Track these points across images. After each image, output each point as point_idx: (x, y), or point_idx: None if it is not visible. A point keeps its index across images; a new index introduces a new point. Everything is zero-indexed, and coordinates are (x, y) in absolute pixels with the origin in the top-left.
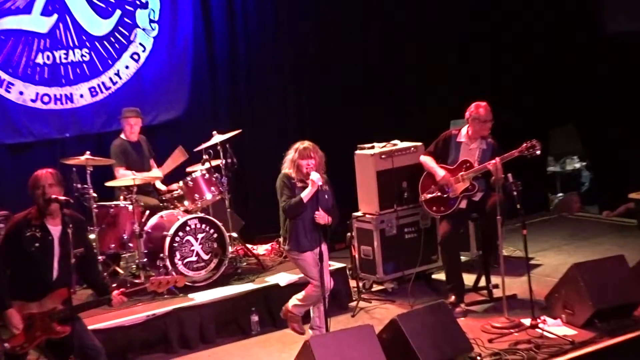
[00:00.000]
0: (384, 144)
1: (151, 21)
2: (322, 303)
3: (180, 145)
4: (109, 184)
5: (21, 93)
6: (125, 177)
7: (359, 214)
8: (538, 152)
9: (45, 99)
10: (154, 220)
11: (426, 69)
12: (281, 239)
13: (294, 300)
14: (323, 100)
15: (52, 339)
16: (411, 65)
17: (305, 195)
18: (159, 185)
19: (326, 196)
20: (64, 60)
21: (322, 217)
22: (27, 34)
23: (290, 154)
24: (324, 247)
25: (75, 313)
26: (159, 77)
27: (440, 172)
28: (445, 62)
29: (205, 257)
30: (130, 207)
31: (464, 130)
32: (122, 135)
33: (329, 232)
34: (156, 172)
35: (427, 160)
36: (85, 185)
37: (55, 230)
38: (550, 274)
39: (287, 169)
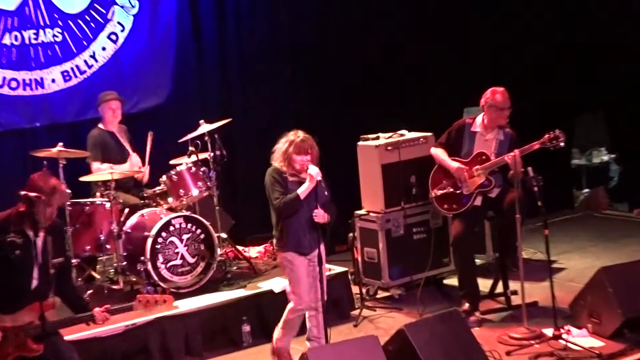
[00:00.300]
0: (390, 134)
1: None
2: (319, 311)
3: (151, 132)
4: (84, 178)
5: None
6: (102, 172)
7: (362, 212)
8: (562, 144)
9: (13, 84)
10: (134, 219)
11: (438, 50)
12: (274, 240)
13: (277, 332)
14: (321, 86)
15: (24, 357)
16: (420, 46)
17: (303, 191)
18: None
19: (325, 192)
20: (33, 41)
21: (321, 216)
22: None
23: (284, 146)
24: (322, 248)
25: (52, 330)
26: (140, 59)
27: (453, 165)
28: (462, 40)
29: (191, 260)
30: (108, 205)
31: (479, 119)
32: (101, 125)
33: (328, 232)
34: (136, 166)
35: (439, 153)
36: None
37: (35, 236)
38: (575, 278)
39: (277, 162)
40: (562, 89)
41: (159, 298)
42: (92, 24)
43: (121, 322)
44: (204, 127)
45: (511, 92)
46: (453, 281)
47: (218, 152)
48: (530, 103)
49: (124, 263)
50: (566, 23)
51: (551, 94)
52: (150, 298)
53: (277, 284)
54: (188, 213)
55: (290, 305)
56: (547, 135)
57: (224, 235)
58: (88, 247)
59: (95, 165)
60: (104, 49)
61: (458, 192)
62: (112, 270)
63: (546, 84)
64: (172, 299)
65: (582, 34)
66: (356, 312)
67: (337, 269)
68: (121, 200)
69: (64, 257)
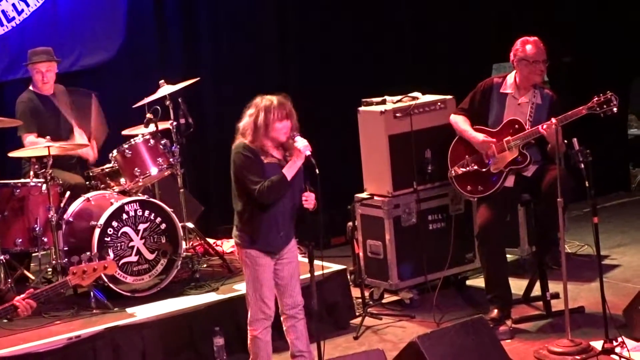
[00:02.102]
0: (399, 97)
1: None
2: (298, 319)
3: (94, 93)
4: (13, 154)
5: None
6: (37, 145)
7: (364, 195)
8: (615, 110)
9: None
10: (77, 205)
11: None
12: (235, 232)
13: None
14: (314, 36)
15: None
16: None
17: (289, 170)
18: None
19: (317, 170)
20: None
21: (312, 201)
22: None
23: (257, 117)
24: (294, 242)
25: None
26: (83, 2)
27: (477, 137)
28: None
29: (150, 256)
30: (44, 187)
31: (510, 79)
32: (32, 87)
33: (320, 221)
34: (80, 139)
35: (459, 121)
36: None
37: None
38: (631, 278)
39: (247, 137)
40: (617, 42)
41: (98, 265)
42: None
43: (62, 334)
44: (165, 89)
45: (550, 43)
46: (478, 282)
47: (182, 121)
48: (575, 57)
49: (65, 260)
50: None
51: (603, 47)
52: (88, 267)
53: None
54: (145, 197)
55: (250, 331)
56: (595, 99)
57: (190, 225)
58: (19, 241)
59: (29, 138)
60: None
61: (484, 170)
62: (50, 269)
63: (596, 35)
64: (115, 264)
65: None
66: (357, 320)
67: (333, 266)
68: (61, 181)
69: None
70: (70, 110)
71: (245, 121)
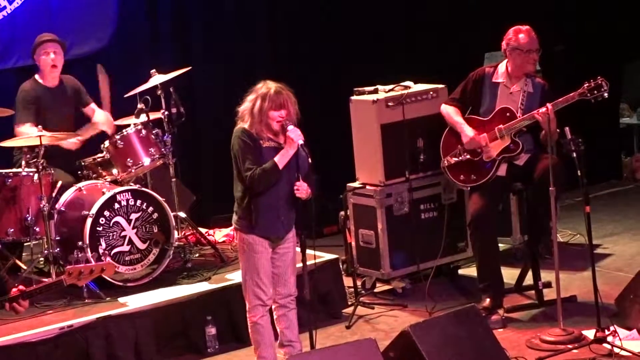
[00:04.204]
0: (391, 86)
1: None
2: (290, 308)
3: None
4: (4, 143)
5: None
6: (28, 135)
7: (356, 184)
8: (605, 95)
9: None
10: (69, 194)
11: None
12: (235, 217)
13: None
14: (305, 25)
15: None
16: None
17: (281, 159)
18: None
19: (308, 160)
20: None
21: (304, 190)
22: None
23: (254, 103)
24: (293, 233)
25: None
26: None
27: (468, 132)
28: None
29: (142, 246)
30: (36, 177)
31: (501, 68)
32: (38, 77)
33: (312, 209)
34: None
35: (450, 112)
36: None
37: None
38: (623, 267)
39: (246, 122)
40: (607, 27)
41: (95, 266)
42: None
43: (54, 323)
44: (157, 79)
45: (542, 31)
46: (471, 271)
47: (174, 110)
48: (567, 45)
49: (57, 250)
50: None
51: (593, 34)
52: (84, 268)
53: None
54: (137, 187)
55: (250, 320)
56: (586, 85)
57: (182, 215)
58: (11, 230)
59: (21, 128)
60: None
61: (477, 159)
62: (42, 259)
63: (587, 20)
64: (112, 266)
65: None
66: (349, 310)
67: (326, 256)
68: (53, 171)
69: None
70: (77, 101)
71: (244, 106)
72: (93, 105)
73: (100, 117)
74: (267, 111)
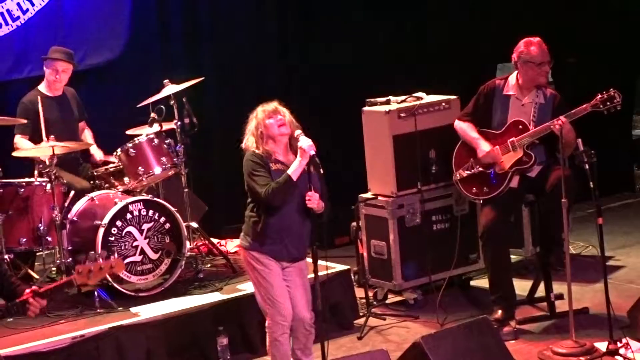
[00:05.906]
0: (403, 97)
1: None
2: (310, 332)
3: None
4: (17, 153)
5: None
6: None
7: (368, 195)
8: (618, 107)
9: None
10: (81, 204)
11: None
12: (241, 235)
13: None
14: (317, 36)
15: None
16: None
17: (294, 170)
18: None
19: (321, 170)
20: None
21: (316, 200)
22: None
23: (250, 124)
24: (303, 263)
25: None
26: (88, 2)
27: (484, 147)
28: None
29: (154, 256)
30: (49, 187)
31: (512, 80)
32: (43, 87)
33: (324, 226)
34: (90, 139)
35: (465, 128)
36: None
37: None
38: (635, 279)
39: (252, 145)
40: (620, 39)
41: (105, 264)
42: None
43: (66, 333)
44: (169, 89)
45: (554, 43)
46: (482, 282)
47: (187, 120)
48: (579, 57)
49: (69, 260)
50: None
51: (606, 46)
52: (94, 266)
53: None
54: (149, 197)
55: (268, 335)
56: (599, 96)
57: (194, 225)
58: (23, 240)
59: (17, 138)
60: None
61: (489, 171)
62: (55, 268)
63: (599, 32)
64: (123, 264)
65: None
66: (361, 321)
67: (337, 267)
68: (65, 181)
69: None
70: (79, 113)
71: (247, 130)
72: (83, 124)
73: (91, 140)
74: (263, 122)
